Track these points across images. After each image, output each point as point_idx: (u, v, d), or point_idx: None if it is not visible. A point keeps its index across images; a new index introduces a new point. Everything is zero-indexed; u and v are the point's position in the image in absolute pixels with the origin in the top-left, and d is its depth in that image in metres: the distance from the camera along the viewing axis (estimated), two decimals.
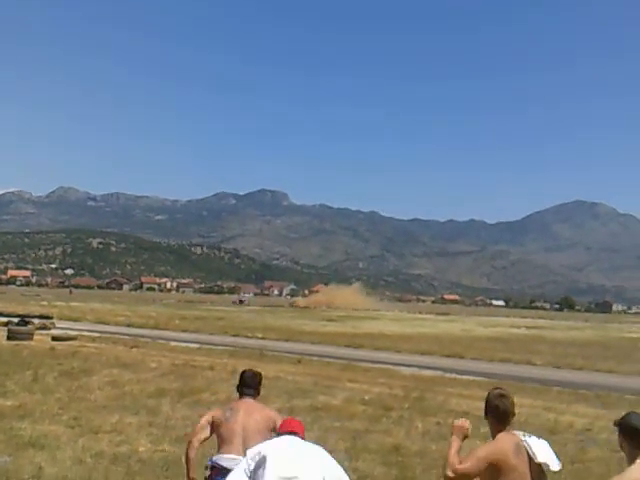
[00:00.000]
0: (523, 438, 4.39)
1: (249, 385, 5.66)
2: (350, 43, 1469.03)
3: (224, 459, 5.18)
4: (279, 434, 4.70)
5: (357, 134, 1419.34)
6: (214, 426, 5.45)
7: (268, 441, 4.63)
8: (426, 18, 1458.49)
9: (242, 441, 5.20)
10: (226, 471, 4.75)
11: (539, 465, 4.33)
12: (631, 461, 4.11)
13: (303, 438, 4.63)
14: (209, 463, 5.35)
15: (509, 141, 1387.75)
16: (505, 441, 4.37)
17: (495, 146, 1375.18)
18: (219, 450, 5.34)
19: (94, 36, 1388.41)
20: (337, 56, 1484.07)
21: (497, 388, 4.77)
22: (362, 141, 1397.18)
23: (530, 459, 4.31)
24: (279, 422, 5.03)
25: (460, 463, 4.26)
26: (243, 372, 5.78)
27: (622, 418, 4.28)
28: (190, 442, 5.50)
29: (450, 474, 4.22)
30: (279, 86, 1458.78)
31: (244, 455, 4.58)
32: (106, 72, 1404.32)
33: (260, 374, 5.73)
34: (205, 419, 5.53)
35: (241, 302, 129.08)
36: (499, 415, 4.53)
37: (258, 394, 5.70)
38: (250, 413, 5.41)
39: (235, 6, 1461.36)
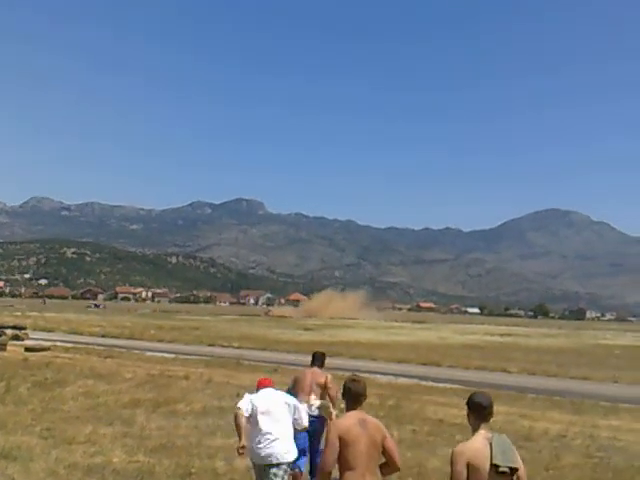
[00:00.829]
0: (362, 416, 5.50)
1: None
2: (329, 51, 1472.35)
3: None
4: (259, 389, 7.65)
5: (333, 142, 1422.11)
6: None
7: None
8: (405, 29, 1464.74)
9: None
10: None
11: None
12: (474, 431, 4.89)
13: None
14: None
15: (484, 149, 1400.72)
16: (351, 416, 5.48)
17: (471, 154, 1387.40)
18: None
19: (67, 37, 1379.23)
20: (316, 62, 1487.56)
21: (353, 375, 5.82)
22: (338, 149, 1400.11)
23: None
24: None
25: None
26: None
27: (470, 396, 5.09)
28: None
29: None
30: (254, 93, 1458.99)
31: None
32: (79, 79, 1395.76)
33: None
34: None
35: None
36: (351, 396, 5.58)
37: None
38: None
39: (191, 7, 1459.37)
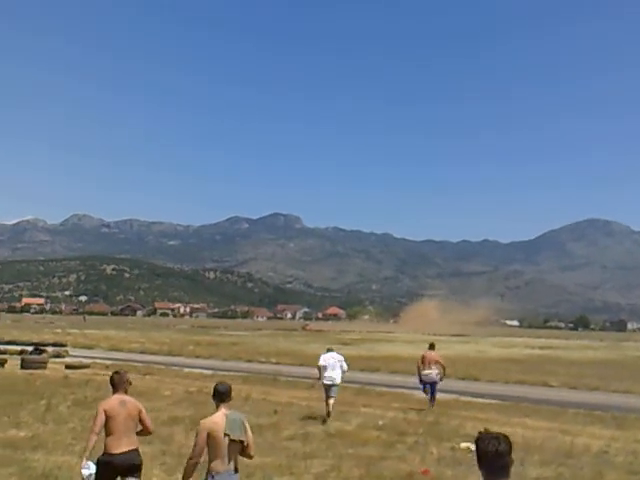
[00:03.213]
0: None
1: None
2: (362, 67, 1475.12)
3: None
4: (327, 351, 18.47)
5: (369, 156, 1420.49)
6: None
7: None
8: (445, 40, 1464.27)
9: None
10: None
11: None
12: (216, 410, 6.68)
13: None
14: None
15: (522, 160, 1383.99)
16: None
17: (508, 165, 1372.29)
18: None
19: (104, 66, 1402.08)
20: (349, 81, 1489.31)
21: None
22: (374, 163, 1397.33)
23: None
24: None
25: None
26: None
27: (214, 387, 6.86)
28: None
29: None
30: (291, 111, 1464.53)
31: None
32: (117, 102, 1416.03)
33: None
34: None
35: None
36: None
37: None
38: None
39: (248, 35, 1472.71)
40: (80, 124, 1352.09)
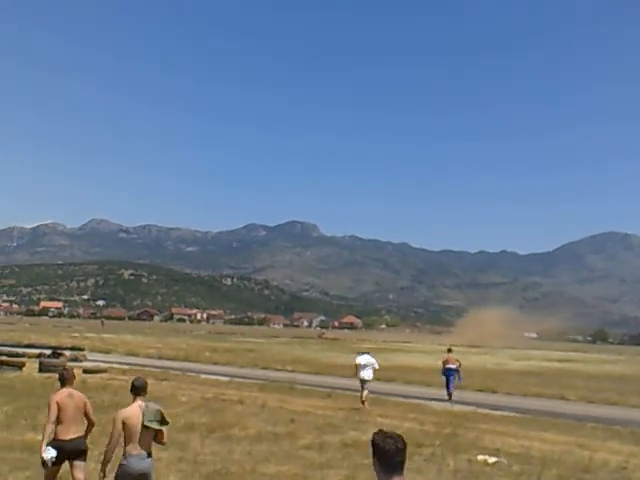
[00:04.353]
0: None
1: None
2: (380, 75, 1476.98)
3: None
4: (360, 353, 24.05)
5: (387, 165, 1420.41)
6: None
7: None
8: (457, 49, 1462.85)
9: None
10: None
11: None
12: (133, 401, 7.69)
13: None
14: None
15: (540, 171, 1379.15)
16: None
17: (526, 176, 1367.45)
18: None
19: (127, 74, 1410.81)
20: (367, 88, 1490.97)
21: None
22: (391, 172, 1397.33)
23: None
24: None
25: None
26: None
27: (132, 382, 7.94)
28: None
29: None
30: (308, 118, 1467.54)
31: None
32: (136, 108, 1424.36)
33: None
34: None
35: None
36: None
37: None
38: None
39: (270, 41, 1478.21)
40: (101, 130, 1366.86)
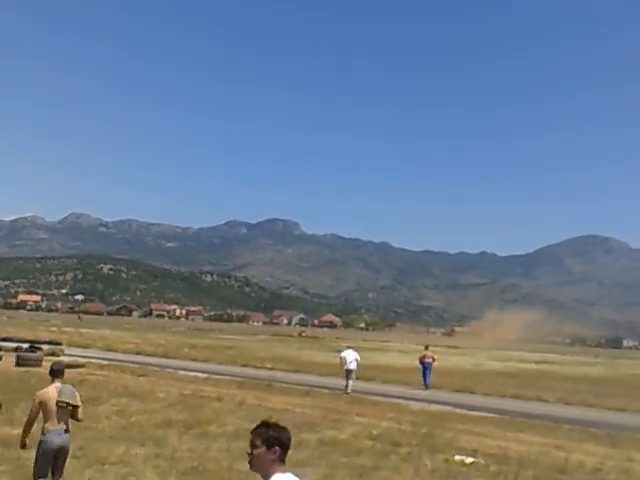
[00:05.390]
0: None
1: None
2: (369, 73, 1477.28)
3: None
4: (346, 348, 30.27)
5: (368, 164, 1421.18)
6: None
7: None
8: (437, 51, 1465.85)
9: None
10: None
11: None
12: (51, 383, 8.59)
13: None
14: None
15: (521, 173, 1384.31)
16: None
17: (507, 178, 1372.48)
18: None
19: (106, 65, 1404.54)
20: (349, 85, 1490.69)
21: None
22: (373, 171, 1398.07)
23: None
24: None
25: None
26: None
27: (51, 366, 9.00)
28: None
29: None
30: (291, 114, 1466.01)
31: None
32: (118, 101, 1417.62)
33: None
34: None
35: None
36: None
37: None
38: None
39: (248, 35, 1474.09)
40: (81, 122, 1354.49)
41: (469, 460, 13.80)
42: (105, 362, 34.29)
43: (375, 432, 16.95)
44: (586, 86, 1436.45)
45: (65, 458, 8.65)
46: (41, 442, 8.32)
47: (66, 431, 8.47)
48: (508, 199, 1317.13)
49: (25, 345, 36.84)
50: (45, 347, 37.86)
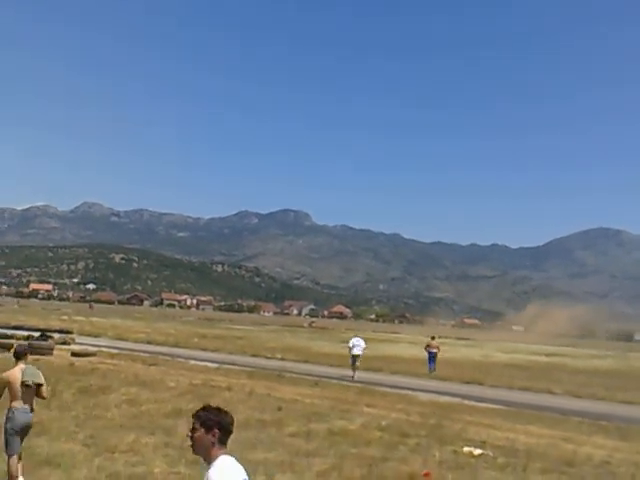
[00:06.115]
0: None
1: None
2: (377, 71, 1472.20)
3: None
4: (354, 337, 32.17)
5: (381, 158, 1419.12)
6: None
7: None
8: (427, 48, 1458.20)
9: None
10: None
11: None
12: (15, 365, 9.19)
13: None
14: None
15: (532, 166, 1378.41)
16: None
17: (518, 171, 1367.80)
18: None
19: (118, 56, 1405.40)
20: (361, 80, 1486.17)
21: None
22: (385, 164, 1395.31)
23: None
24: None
25: None
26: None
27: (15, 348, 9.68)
28: None
29: None
30: (303, 107, 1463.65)
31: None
32: (131, 94, 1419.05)
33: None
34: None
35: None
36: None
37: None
38: None
39: (254, 30, 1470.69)
40: (94, 114, 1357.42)
41: (477, 452, 13.81)
42: (115, 351, 34.40)
43: (384, 423, 16.97)
44: (586, 86, 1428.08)
45: (26, 435, 9.30)
46: (8, 419, 8.97)
47: (31, 410, 9.17)
48: (520, 193, 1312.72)
49: (36, 334, 37.01)
50: (56, 336, 38.12)
